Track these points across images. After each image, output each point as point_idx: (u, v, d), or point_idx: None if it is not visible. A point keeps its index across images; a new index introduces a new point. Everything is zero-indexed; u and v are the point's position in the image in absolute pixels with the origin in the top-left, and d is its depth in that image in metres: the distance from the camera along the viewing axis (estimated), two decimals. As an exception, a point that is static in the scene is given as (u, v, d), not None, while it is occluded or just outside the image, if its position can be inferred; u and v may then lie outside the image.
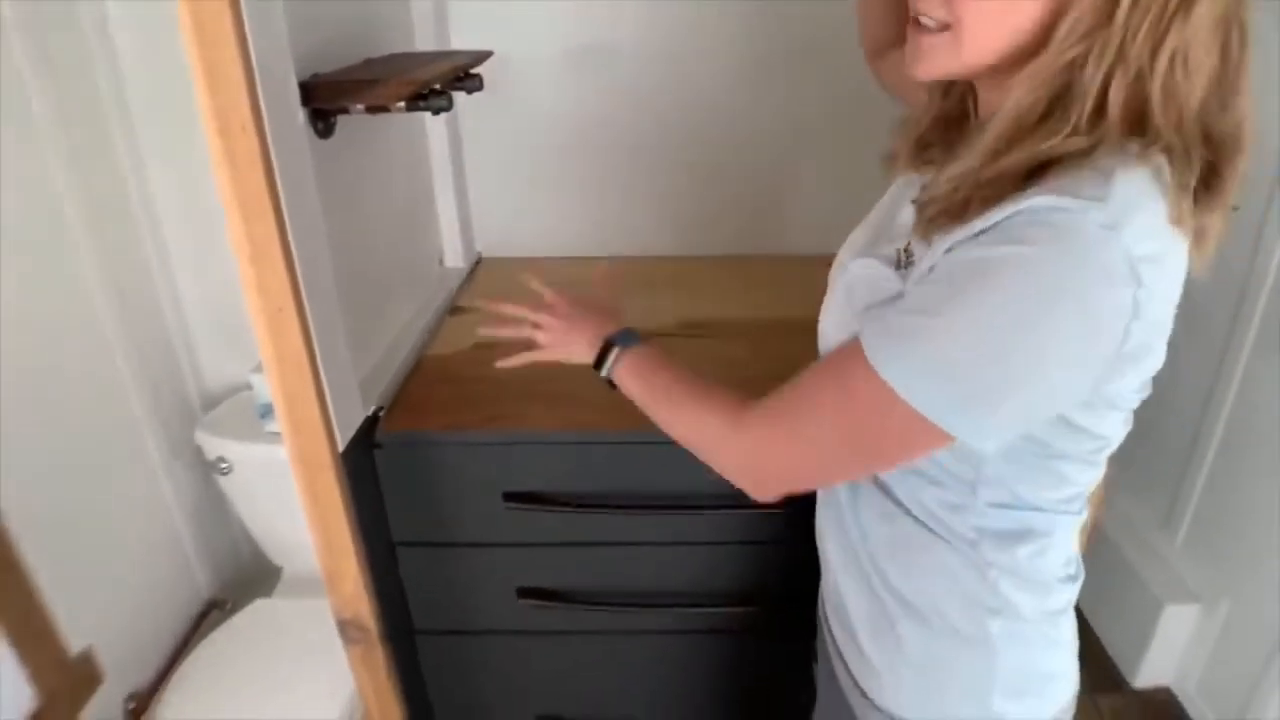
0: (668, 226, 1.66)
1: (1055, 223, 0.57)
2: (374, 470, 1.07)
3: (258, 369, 1.56)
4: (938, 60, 0.65)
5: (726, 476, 0.77)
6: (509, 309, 1.00)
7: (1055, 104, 0.60)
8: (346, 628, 1.10)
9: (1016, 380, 0.60)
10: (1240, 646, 1.63)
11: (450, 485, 1.08)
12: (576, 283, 1.46)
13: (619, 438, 1.04)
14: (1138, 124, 0.59)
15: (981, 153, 0.63)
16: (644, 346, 0.89)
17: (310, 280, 0.90)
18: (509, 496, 1.07)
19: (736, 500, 1.04)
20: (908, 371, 0.62)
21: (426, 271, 1.47)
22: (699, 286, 1.48)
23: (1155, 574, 1.82)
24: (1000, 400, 0.61)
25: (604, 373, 0.89)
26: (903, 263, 0.69)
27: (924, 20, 0.65)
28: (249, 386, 1.73)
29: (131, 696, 1.56)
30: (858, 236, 0.81)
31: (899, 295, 0.67)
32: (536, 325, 0.97)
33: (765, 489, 0.76)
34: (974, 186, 0.62)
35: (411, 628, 1.20)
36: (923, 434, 0.63)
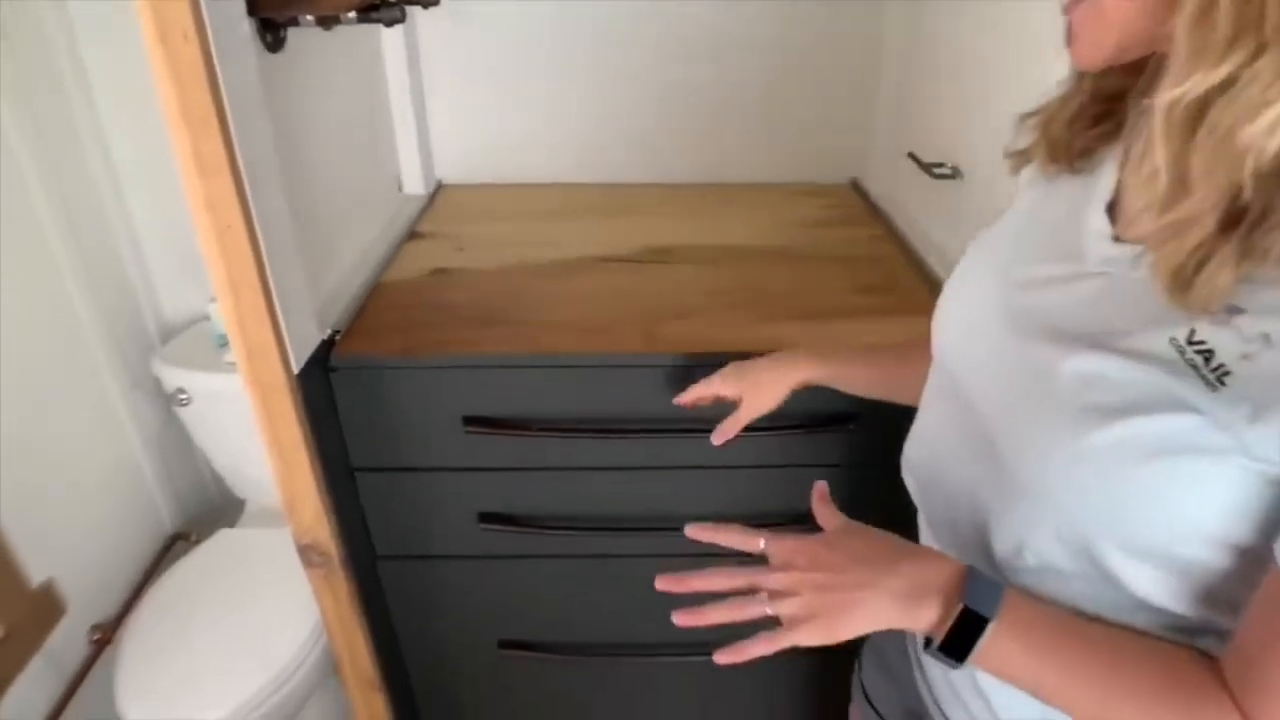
0: (637, 153, 1.62)
1: None
2: (330, 395, 1.06)
3: (215, 298, 1.53)
4: (1088, 37, 0.52)
5: None
6: (718, 581, 0.63)
7: None
8: (307, 552, 1.09)
9: None
10: None
11: (408, 409, 1.07)
12: (540, 214, 1.45)
13: (581, 361, 1.03)
14: None
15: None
16: (1018, 603, 0.56)
17: (260, 198, 0.88)
18: (469, 420, 1.06)
19: (706, 424, 1.05)
20: None
21: (384, 197, 1.44)
22: (665, 213, 1.47)
23: None
24: None
25: (967, 660, 0.55)
26: (1211, 380, 0.47)
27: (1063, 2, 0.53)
28: (207, 318, 1.71)
29: (96, 627, 1.56)
30: (1022, 280, 0.60)
31: (1198, 414, 0.47)
32: (777, 593, 0.60)
33: None
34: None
35: (373, 553, 1.20)
36: None
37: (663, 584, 0.64)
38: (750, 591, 0.62)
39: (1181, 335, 0.48)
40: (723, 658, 0.62)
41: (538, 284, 1.20)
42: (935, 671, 0.74)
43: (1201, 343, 0.47)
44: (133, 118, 1.55)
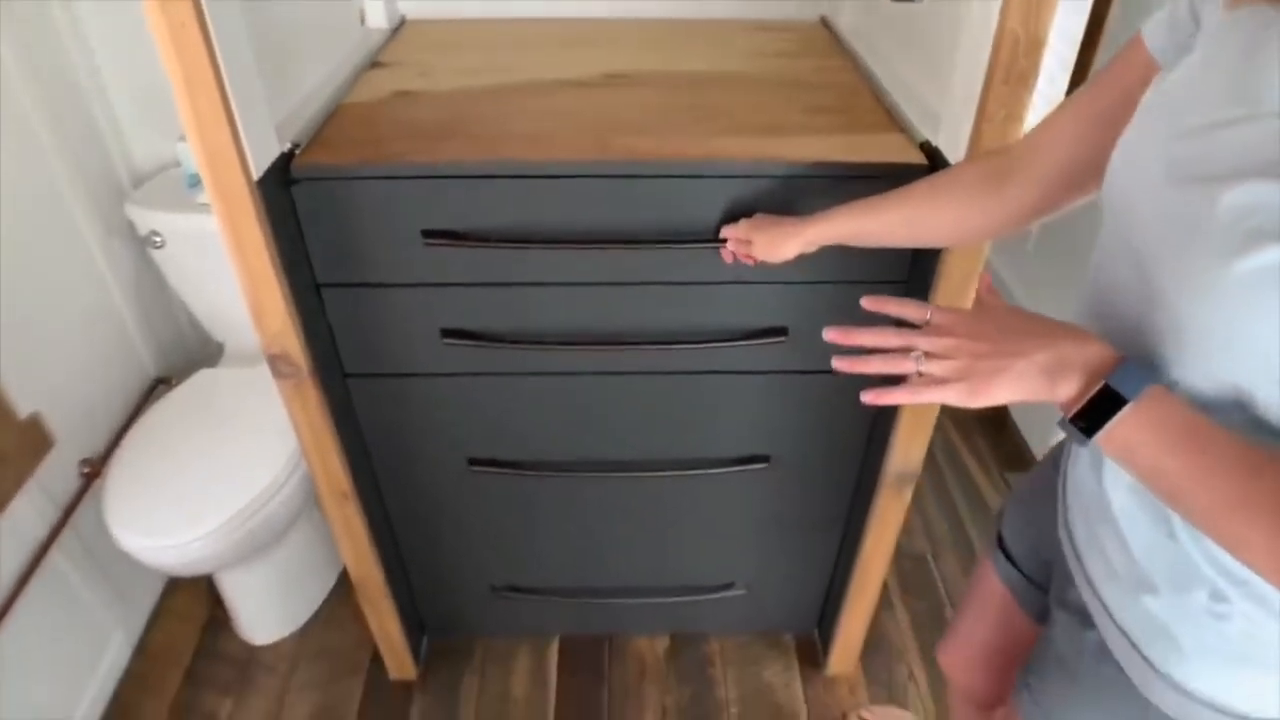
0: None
1: None
2: (293, 209, 1.08)
3: (182, 138, 1.54)
4: None
5: None
6: (875, 337, 0.67)
7: None
8: (276, 363, 1.14)
9: None
10: None
11: (369, 223, 1.09)
12: (504, 45, 1.44)
13: (537, 170, 1.05)
14: None
15: None
16: (1162, 396, 0.56)
17: (215, 2, 0.88)
18: (428, 234, 1.09)
19: (668, 239, 1.09)
20: None
21: (345, 26, 1.43)
22: (628, 45, 1.47)
23: None
24: None
25: (1097, 435, 0.58)
26: None
27: None
28: (177, 164, 1.72)
29: (85, 461, 1.62)
30: (1185, 125, 0.58)
31: None
32: (929, 354, 0.64)
33: None
34: None
35: (342, 370, 1.24)
36: None
37: (830, 335, 0.68)
38: (905, 351, 0.65)
39: None
40: (868, 398, 0.66)
41: (497, 103, 1.21)
42: (1079, 519, 0.76)
43: None
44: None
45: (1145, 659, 0.71)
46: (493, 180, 1.06)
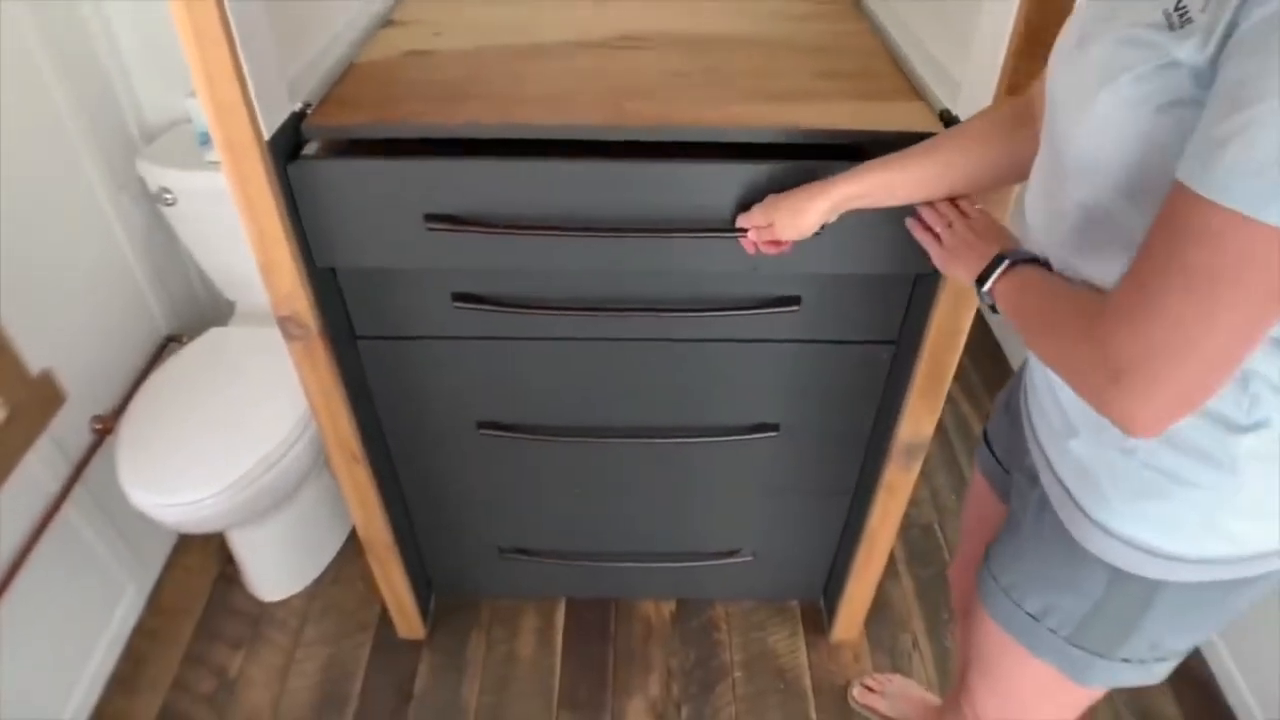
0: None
1: None
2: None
3: (193, 93, 1.52)
4: None
5: (1087, 396, 0.64)
6: (943, 207, 0.95)
7: None
8: (286, 324, 1.14)
9: None
10: None
11: (378, 202, 1.06)
12: (518, 2, 1.37)
13: (550, 132, 1.04)
14: None
15: None
16: (1031, 266, 0.78)
17: (221, -52, 0.87)
18: (432, 218, 1.05)
19: (694, 226, 1.06)
20: (1256, 191, 0.51)
21: (359, -15, 1.41)
22: (646, 3, 1.44)
23: None
24: None
25: (986, 286, 0.81)
26: (1175, 23, 0.57)
27: None
28: (188, 120, 1.71)
29: (97, 418, 1.63)
30: (1091, 11, 0.69)
31: (1175, 64, 0.57)
32: (951, 225, 0.92)
33: (1120, 383, 0.60)
34: None
35: (353, 332, 1.24)
36: None
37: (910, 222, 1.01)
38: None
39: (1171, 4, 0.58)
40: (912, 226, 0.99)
41: (511, 64, 1.20)
42: (1030, 389, 0.90)
43: (1184, 8, 0.57)
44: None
45: (1077, 504, 0.81)
46: (500, 162, 1.03)
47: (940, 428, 2.22)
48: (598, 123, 1.04)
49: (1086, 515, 0.81)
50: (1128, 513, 0.78)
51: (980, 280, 0.81)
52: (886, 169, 0.94)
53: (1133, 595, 0.81)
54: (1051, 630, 0.89)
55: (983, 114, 0.94)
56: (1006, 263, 0.79)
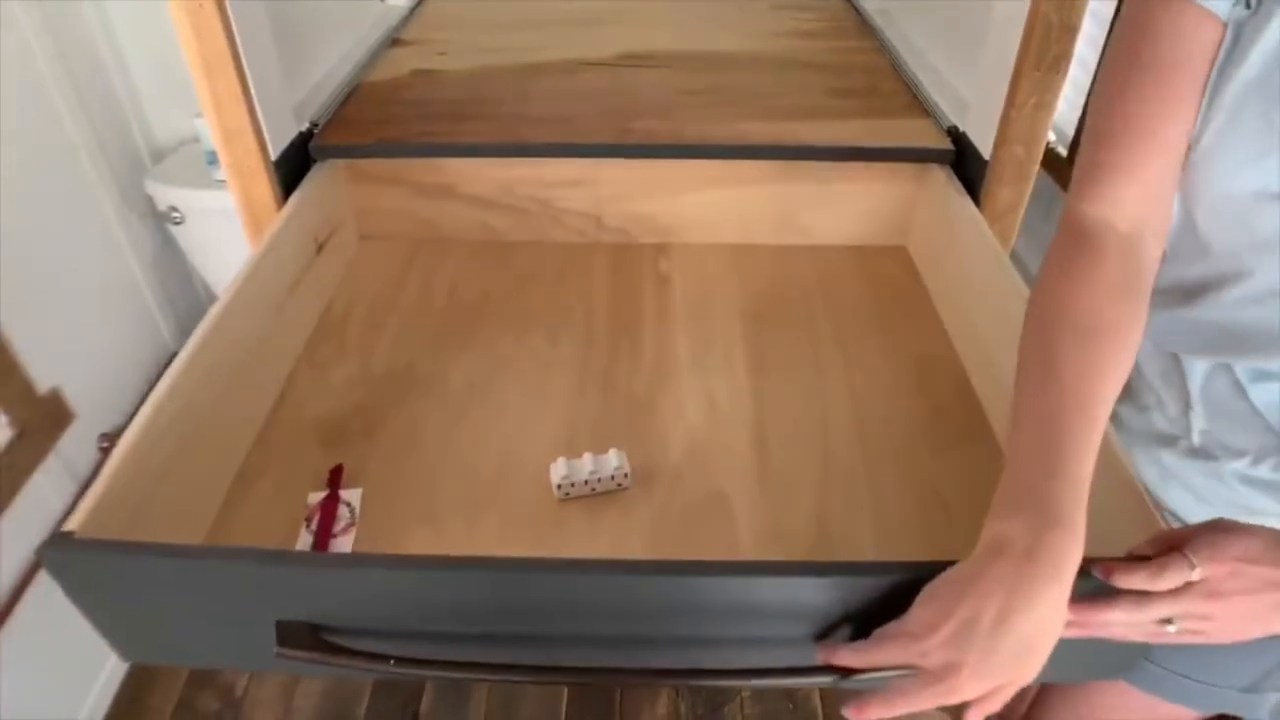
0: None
1: None
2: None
3: (200, 113, 1.53)
4: None
5: None
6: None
7: None
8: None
9: None
10: None
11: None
12: (524, 24, 1.41)
13: (553, 150, 1.04)
14: None
15: None
16: None
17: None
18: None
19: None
20: None
21: (365, 4, 1.42)
22: (649, 23, 1.44)
23: None
24: None
25: None
26: None
27: None
28: (196, 140, 1.72)
29: (105, 436, 1.63)
30: None
31: None
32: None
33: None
34: None
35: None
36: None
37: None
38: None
39: None
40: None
41: (516, 83, 1.20)
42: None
43: None
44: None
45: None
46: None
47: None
48: (605, 140, 1.04)
49: None
50: None
51: None
52: (1086, 461, 0.53)
53: None
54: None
55: (1099, 328, 0.58)
56: None
